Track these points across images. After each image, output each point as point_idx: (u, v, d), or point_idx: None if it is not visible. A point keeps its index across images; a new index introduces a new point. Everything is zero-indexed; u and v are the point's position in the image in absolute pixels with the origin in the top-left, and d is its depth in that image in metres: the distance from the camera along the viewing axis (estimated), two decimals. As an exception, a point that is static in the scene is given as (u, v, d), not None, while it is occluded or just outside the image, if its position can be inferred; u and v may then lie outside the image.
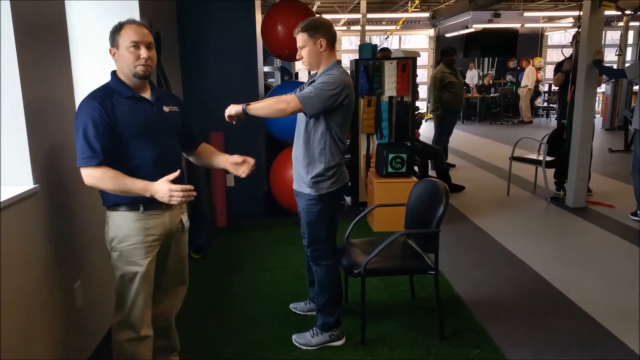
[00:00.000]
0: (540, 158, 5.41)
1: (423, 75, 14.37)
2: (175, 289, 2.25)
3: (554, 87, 13.24)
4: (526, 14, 12.95)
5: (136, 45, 1.89)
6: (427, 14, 13.22)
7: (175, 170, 1.89)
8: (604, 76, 5.51)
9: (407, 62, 4.75)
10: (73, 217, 2.28)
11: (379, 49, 5.46)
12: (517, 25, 13.16)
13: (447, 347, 2.63)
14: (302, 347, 2.64)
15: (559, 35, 14.86)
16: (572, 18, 12.82)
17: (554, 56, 14.50)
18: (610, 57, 13.02)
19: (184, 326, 2.55)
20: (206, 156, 2.27)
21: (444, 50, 6.43)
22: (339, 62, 2.52)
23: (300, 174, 2.55)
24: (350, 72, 5.10)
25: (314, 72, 2.56)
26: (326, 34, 2.44)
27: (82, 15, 3.01)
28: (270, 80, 7.53)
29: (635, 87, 10.62)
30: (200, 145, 2.27)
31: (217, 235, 4.40)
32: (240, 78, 4.61)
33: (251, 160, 2.14)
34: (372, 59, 4.76)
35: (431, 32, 14.37)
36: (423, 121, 7.24)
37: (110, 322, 2.64)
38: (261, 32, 4.77)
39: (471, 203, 5.42)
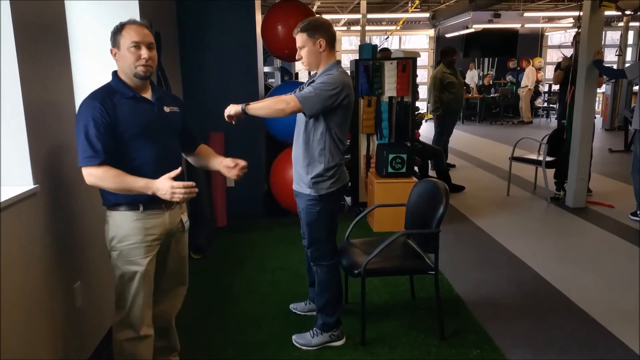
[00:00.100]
0: (540, 158, 5.41)
1: (423, 76, 14.38)
2: (175, 289, 2.25)
3: (554, 87, 13.27)
4: (526, 14, 12.95)
5: (137, 45, 1.89)
6: (427, 14, 13.23)
7: None
8: (605, 77, 5.51)
9: (407, 62, 4.75)
10: (73, 218, 2.28)
11: (379, 49, 5.47)
12: (517, 26, 13.16)
13: (447, 347, 2.63)
14: (302, 347, 2.64)
15: (559, 35, 14.87)
16: (572, 18, 12.82)
17: (554, 56, 14.50)
18: (610, 57, 13.02)
19: (184, 326, 2.55)
20: (204, 157, 2.27)
21: (444, 50, 6.43)
22: (339, 62, 2.52)
23: (300, 174, 2.55)
24: (351, 72, 5.10)
25: (314, 72, 2.56)
26: (326, 34, 2.44)
27: (82, 15, 3.01)
28: (270, 80, 7.53)
29: (635, 88, 10.62)
30: (199, 147, 2.28)
31: (217, 235, 4.40)
32: (240, 78, 4.61)
33: (242, 163, 2.12)
34: (372, 59, 4.76)
35: (431, 32, 14.37)
36: (423, 121, 7.24)
37: (111, 322, 2.65)
38: (261, 32, 4.77)
39: (471, 203, 5.42)
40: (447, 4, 11.94)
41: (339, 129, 2.47)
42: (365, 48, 4.87)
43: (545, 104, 13.67)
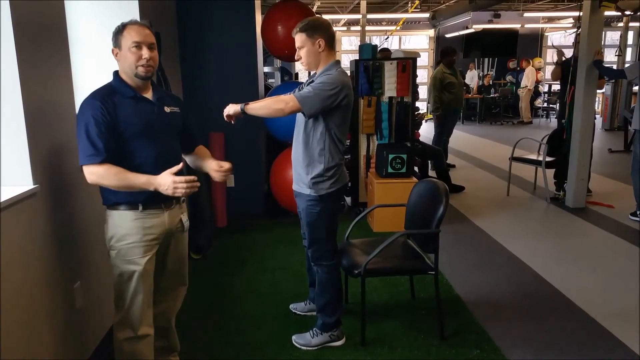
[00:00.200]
0: (540, 158, 5.41)
1: (423, 76, 14.38)
2: (175, 289, 2.25)
3: (554, 87, 13.28)
4: (526, 14, 12.96)
5: (138, 45, 1.90)
6: (427, 15, 13.24)
7: None
8: (606, 78, 5.50)
9: (407, 62, 4.75)
10: (73, 218, 2.28)
11: (379, 49, 5.47)
12: (517, 26, 13.17)
13: (447, 347, 2.64)
14: (302, 347, 2.64)
15: (559, 35, 14.87)
16: (572, 18, 12.83)
17: (554, 57, 14.48)
18: (610, 57, 13.02)
19: (184, 326, 2.55)
20: (200, 158, 2.27)
21: (444, 50, 6.43)
22: (338, 62, 2.51)
23: (300, 174, 2.55)
24: (351, 72, 5.11)
25: (313, 72, 2.56)
26: (325, 34, 2.43)
27: (82, 16, 3.01)
28: (270, 80, 7.53)
29: (635, 88, 10.62)
30: (198, 147, 2.28)
31: (217, 235, 4.40)
32: (240, 78, 4.61)
33: (226, 165, 2.08)
34: (372, 59, 4.77)
35: (431, 32, 14.38)
36: (423, 122, 7.25)
37: (111, 321, 2.65)
38: (261, 32, 4.77)
39: (471, 203, 5.42)
40: (447, 4, 11.95)
41: (339, 129, 2.47)
42: (365, 48, 4.87)
43: (545, 104, 13.67)
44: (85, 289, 2.35)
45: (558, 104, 6.58)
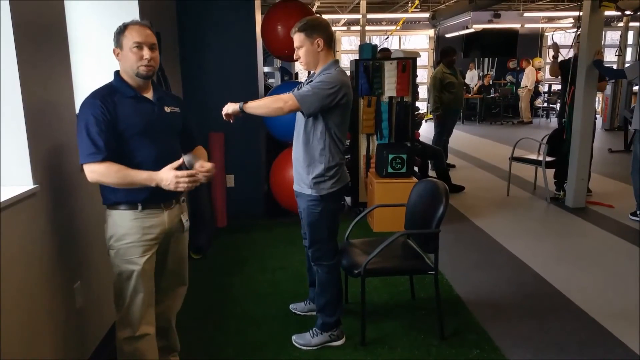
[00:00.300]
0: (540, 158, 5.41)
1: (423, 76, 14.38)
2: (175, 289, 2.25)
3: (554, 87, 13.28)
4: (526, 14, 12.96)
5: (139, 45, 1.91)
6: (427, 14, 13.24)
7: None
8: (607, 78, 5.50)
9: (407, 62, 4.75)
10: (73, 217, 2.28)
11: (379, 49, 5.47)
12: (517, 26, 13.17)
13: (447, 347, 2.64)
14: (302, 347, 2.64)
15: (559, 35, 14.87)
16: (572, 18, 12.83)
17: (550, 52, 14.47)
18: (610, 57, 13.03)
19: (184, 326, 2.55)
20: (195, 159, 2.26)
21: (443, 50, 6.43)
22: (337, 61, 2.52)
23: (301, 175, 2.55)
24: (350, 72, 5.11)
25: (312, 72, 2.56)
26: (323, 33, 2.44)
27: (82, 16, 3.01)
28: (270, 80, 7.53)
29: (635, 88, 10.62)
30: (196, 148, 2.27)
31: (217, 235, 4.40)
32: (240, 78, 4.61)
33: (206, 165, 2.01)
34: (372, 59, 4.77)
35: (431, 32, 14.38)
36: (423, 121, 7.25)
37: (111, 321, 2.66)
38: (261, 32, 4.77)
39: (471, 203, 5.42)
40: (447, 4, 11.95)
41: (338, 128, 2.47)
42: (365, 48, 4.87)
43: (545, 104, 13.67)
44: (85, 289, 2.35)
45: (559, 104, 6.57)
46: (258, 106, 2.37)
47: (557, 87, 13.10)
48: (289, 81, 6.97)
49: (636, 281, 3.40)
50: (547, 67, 13.85)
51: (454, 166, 7.26)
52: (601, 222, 4.69)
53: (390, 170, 4.49)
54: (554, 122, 12.59)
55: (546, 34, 14.48)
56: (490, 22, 13.23)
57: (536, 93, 13.52)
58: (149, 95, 2.02)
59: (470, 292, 3.29)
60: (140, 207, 1.95)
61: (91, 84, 2.18)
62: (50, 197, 2.05)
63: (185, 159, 2.29)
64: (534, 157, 5.62)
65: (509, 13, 13.06)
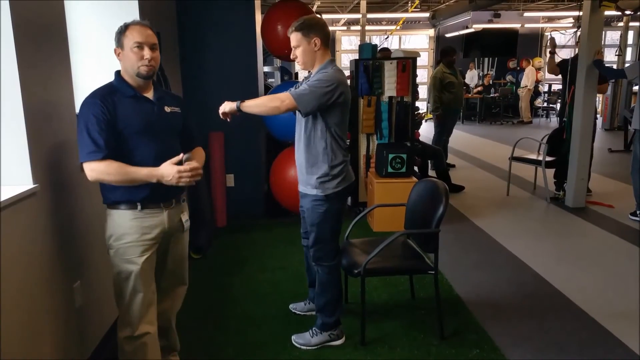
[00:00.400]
0: (540, 158, 5.41)
1: (423, 76, 14.38)
2: (175, 289, 2.25)
3: (554, 87, 13.27)
4: (526, 14, 12.96)
5: (140, 45, 1.91)
6: (427, 14, 13.24)
7: None
8: (608, 80, 5.49)
9: (407, 62, 4.75)
10: (72, 217, 2.28)
11: (379, 49, 5.47)
12: (517, 26, 13.17)
13: (447, 347, 2.64)
14: (302, 347, 2.64)
15: (559, 35, 14.86)
16: (572, 18, 12.83)
17: (548, 46, 14.47)
18: (610, 57, 13.02)
19: (184, 326, 2.55)
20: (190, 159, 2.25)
21: (443, 50, 6.43)
22: (333, 60, 2.52)
23: (305, 176, 2.55)
24: (350, 72, 5.11)
25: (310, 71, 2.57)
26: (320, 32, 2.44)
27: (82, 16, 3.01)
28: (270, 80, 7.53)
29: (635, 87, 10.62)
30: (196, 149, 2.27)
31: (217, 235, 4.40)
32: (240, 78, 4.61)
33: (192, 164, 1.95)
34: (372, 59, 4.77)
35: (431, 32, 14.38)
36: (423, 121, 7.25)
37: (111, 321, 2.66)
38: (261, 31, 4.77)
39: (471, 203, 5.42)
40: (447, 3, 11.95)
41: (339, 127, 2.48)
42: (365, 48, 4.87)
43: (545, 104, 13.67)
44: (85, 288, 2.35)
45: (559, 104, 6.57)
46: (255, 105, 2.37)
47: (557, 87, 13.11)
48: (289, 80, 6.97)
49: (636, 281, 3.40)
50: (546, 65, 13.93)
51: (453, 166, 7.26)
52: (601, 222, 4.69)
53: (390, 170, 4.49)
54: (554, 121, 12.59)
55: (546, 33, 14.48)
56: (490, 21, 13.23)
57: (536, 93, 13.51)
58: (150, 95, 2.03)
59: (470, 291, 3.29)
60: (139, 207, 1.96)
61: (91, 84, 2.18)
62: (50, 196, 2.05)
63: (184, 157, 2.29)
64: (533, 157, 5.62)
65: (509, 13, 13.06)
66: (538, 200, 5.52)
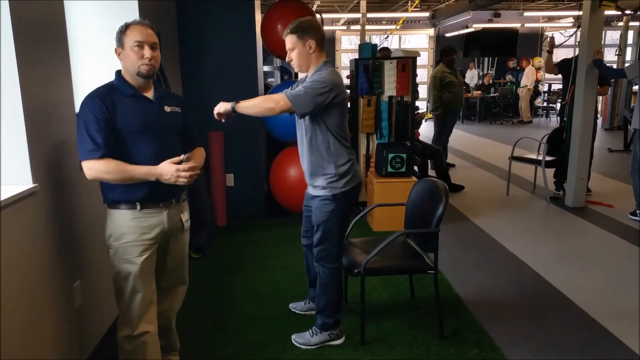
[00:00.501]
0: (540, 158, 5.41)
1: (423, 75, 14.37)
2: (174, 289, 2.25)
3: (554, 87, 13.27)
4: (526, 13, 12.96)
5: (140, 45, 1.92)
6: (427, 14, 13.23)
7: None
8: (610, 81, 5.49)
9: (407, 61, 4.75)
10: (72, 216, 2.28)
11: (378, 48, 5.47)
12: (517, 25, 13.16)
13: (446, 347, 2.64)
14: (302, 346, 2.64)
15: (559, 35, 14.86)
16: (572, 18, 12.82)
17: (554, 56, 14.46)
18: (610, 57, 13.02)
19: (184, 326, 2.55)
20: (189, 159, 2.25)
21: (443, 49, 6.43)
22: (328, 61, 2.52)
23: (313, 179, 2.56)
24: (350, 71, 5.12)
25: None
26: (315, 34, 2.44)
27: (82, 16, 3.01)
28: (270, 79, 7.52)
29: (635, 87, 10.62)
30: (196, 149, 2.27)
31: (216, 235, 4.40)
32: (240, 78, 4.61)
33: (189, 165, 1.95)
34: (372, 58, 4.76)
35: (431, 31, 14.37)
36: (423, 121, 7.24)
37: (110, 320, 2.66)
38: (261, 31, 4.77)
39: (471, 203, 5.42)
40: (447, 3, 11.94)
41: (339, 127, 2.48)
42: (365, 47, 4.87)
43: (545, 104, 13.67)
44: (85, 288, 2.36)
45: (559, 103, 6.58)
46: (250, 106, 2.36)
47: (556, 86, 13.11)
48: (289, 80, 6.97)
49: (636, 281, 3.40)
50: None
51: (453, 165, 7.26)
52: (601, 222, 4.69)
53: (390, 169, 4.49)
54: (553, 121, 12.59)
55: (546, 33, 14.48)
56: (490, 21, 13.22)
57: (536, 92, 13.51)
58: (150, 94, 2.03)
59: (470, 291, 3.30)
60: (138, 207, 1.96)
61: (91, 84, 2.18)
62: (49, 196, 2.05)
63: (185, 157, 2.29)
64: (533, 156, 5.62)
65: (509, 12, 13.05)
66: (538, 199, 5.52)
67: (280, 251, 4.02)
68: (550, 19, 13.91)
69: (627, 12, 5.59)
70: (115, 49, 1.97)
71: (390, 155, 4.46)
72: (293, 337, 2.70)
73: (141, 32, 1.93)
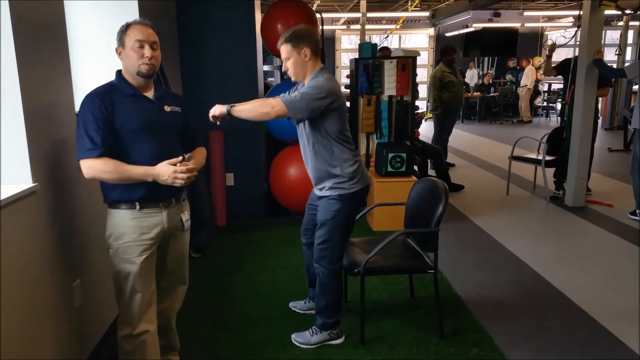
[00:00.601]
0: (540, 157, 5.41)
1: (423, 75, 14.37)
2: (175, 289, 2.25)
3: (553, 87, 13.27)
4: (526, 13, 12.94)
5: (141, 44, 1.92)
6: (427, 13, 13.22)
7: None
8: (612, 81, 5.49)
9: (407, 61, 4.75)
10: (72, 216, 2.28)
11: (378, 48, 5.47)
12: (517, 25, 13.15)
13: (446, 346, 2.64)
14: (302, 345, 2.64)
15: (561, 37, 14.85)
16: (572, 17, 12.81)
17: (554, 56, 14.46)
18: (610, 56, 13.01)
19: (184, 326, 2.56)
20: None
21: (443, 49, 6.42)
22: (324, 68, 2.53)
23: (321, 184, 2.57)
24: (350, 71, 5.12)
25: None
26: (310, 42, 2.45)
27: (82, 16, 3.01)
28: (269, 79, 7.52)
29: (635, 87, 10.62)
30: (197, 149, 2.27)
31: (216, 234, 4.40)
32: (240, 78, 4.61)
33: (187, 166, 1.94)
34: (372, 58, 4.76)
35: (431, 31, 14.37)
36: (423, 120, 7.24)
37: (110, 320, 2.66)
38: (261, 30, 4.77)
39: (470, 202, 5.42)
40: (447, 2, 11.94)
41: (340, 132, 2.49)
42: (365, 47, 4.87)
43: (545, 103, 13.66)
44: (85, 287, 2.36)
45: (559, 103, 6.58)
46: (245, 110, 2.36)
47: (556, 86, 13.11)
48: (289, 80, 6.96)
49: (636, 281, 3.40)
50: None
51: (453, 165, 7.26)
52: (600, 222, 4.69)
53: (389, 169, 4.49)
54: (553, 121, 12.59)
55: (546, 33, 14.48)
56: (490, 21, 13.19)
57: (536, 92, 13.50)
58: (150, 94, 2.03)
59: (470, 291, 3.30)
60: (138, 207, 1.96)
61: (91, 83, 2.18)
62: (49, 195, 2.05)
63: (186, 156, 2.29)
64: (533, 156, 5.62)
65: (509, 12, 13.03)
66: (538, 199, 5.52)
67: (280, 251, 4.02)
68: (550, 18, 13.90)
69: (627, 11, 5.58)
70: (116, 49, 1.98)
71: (390, 155, 4.46)
72: (293, 336, 2.70)
73: (142, 31, 1.93)
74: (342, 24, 13.76)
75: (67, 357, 2.19)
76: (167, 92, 2.24)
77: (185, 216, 2.16)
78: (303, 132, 2.52)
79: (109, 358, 2.46)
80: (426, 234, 2.70)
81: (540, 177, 5.58)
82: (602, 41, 9.96)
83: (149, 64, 1.94)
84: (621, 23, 12.57)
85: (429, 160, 6.03)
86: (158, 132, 2.00)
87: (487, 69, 14.04)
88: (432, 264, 2.65)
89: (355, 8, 11.69)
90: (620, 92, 10.74)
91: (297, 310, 3.01)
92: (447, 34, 13.58)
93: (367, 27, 11.74)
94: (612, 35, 15.09)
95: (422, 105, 12.41)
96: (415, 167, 5.69)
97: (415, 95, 4.97)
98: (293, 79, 2.55)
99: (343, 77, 13.98)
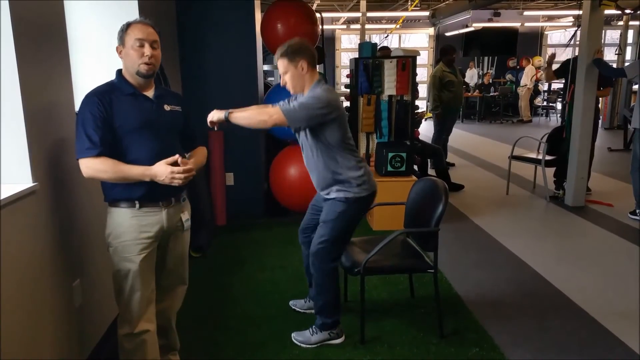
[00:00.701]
0: (540, 157, 5.41)
1: (423, 74, 14.37)
2: (174, 289, 2.26)
3: (553, 86, 13.26)
4: (526, 12, 12.94)
5: (141, 43, 1.92)
6: (427, 13, 13.22)
7: None
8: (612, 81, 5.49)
9: (407, 60, 4.75)
10: (72, 215, 2.28)
11: (378, 47, 5.46)
12: (517, 24, 13.15)
13: (446, 346, 2.64)
14: (302, 345, 2.65)
15: (559, 34, 14.86)
16: (572, 17, 12.81)
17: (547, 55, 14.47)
18: (609, 56, 13.00)
19: (184, 326, 2.56)
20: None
21: (443, 49, 6.43)
22: (321, 80, 2.54)
23: (327, 189, 2.57)
24: (350, 70, 5.12)
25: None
26: (305, 55, 2.46)
27: (82, 16, 3.01)
28: (269, 79, 7.52)
29: (635, 87, 10.62)
30: (197, 149, 2.27)
31: (216, 234, 4.40)
32: (240, 78, 4.61)
33: (184, 167, 1.94)
34: (371, 57, 4.76)
35: (431, 30, 14.37)
36: (423, 120, 7.25)
37: (110, 319, 2.66)
38: (260, 30, 4.77)
39: (470, 202, 5.42)
40: (447, 2, 11.94)
41: (342, 141, 2.50)
42: (365, 46, 4.87)
43: (545, 103, 13.66)
44: (84, 287, 2.36)
45: (560, 103, 6.58)
46: (243, 117, 2.38)
47: (556, 85, 13.10)
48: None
49: (636, 280, 3.40)
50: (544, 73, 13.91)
51: (453, 165, 7.26)
52: (600, 221, 4.69)
53: (389, 168, 4.49)
54: (553, 120, 12.58)
55: (546, 32, 14.47)
56: (490, 20, 13.19)
57: (536, 92, 13.50)
58: (150, 93, 2.03)
59: (470, 290, 3.30)
60: (137, 205, 1.96)
61: (91, 83, 2.18)
62: (49, 195, 2.05)
63: (187, 156, 2.29)
64: (533, 155, 5.62)
65: (509, 12, 13.03)
66: (538, 199, 5.52)
67: (280, 250, 4.02)
68: (550, 18, 13.89)
69: (627, 11, 5.59)
70: (117, 48, 1.98)
71: (390, 155, 4.46)
72: (293, 335, 2.71)
73: (142, 30, 1.94)
74: (342, 23, 13.76)
75: (67, 357, 2.19)
76: (167, 91, 2.24)
77: (185, 216, 2.16)
78: (306, 143, 2.53)
79: (109, 358, 2.46)
80: (426, 234, 2.70)
81: (540, 176, 5.58)
82: (602, 41, 9.96)
83: (149, 64, 1.94)
84: (621, 23, 12.57)
85: (428, 160, 6.03)
86: (158, 131, 2.00)
87: (487, 69, 14.04)
88: (432, 264, 2.65)
89: (355, 8, 11.69)
90: (620, 91, 10.74)
91: (297, 309, 3.01)
92: (447, 34, 13.58)
93: (367, 26, 11.74)
94: (612, 35, 15.08)
95: (422, 104, 12.41)
96: (415, 167, 5.69)
97: (415, 94, 4.97)
98: (292, 92, 2.56)
99: (343, 76, 14.00)
